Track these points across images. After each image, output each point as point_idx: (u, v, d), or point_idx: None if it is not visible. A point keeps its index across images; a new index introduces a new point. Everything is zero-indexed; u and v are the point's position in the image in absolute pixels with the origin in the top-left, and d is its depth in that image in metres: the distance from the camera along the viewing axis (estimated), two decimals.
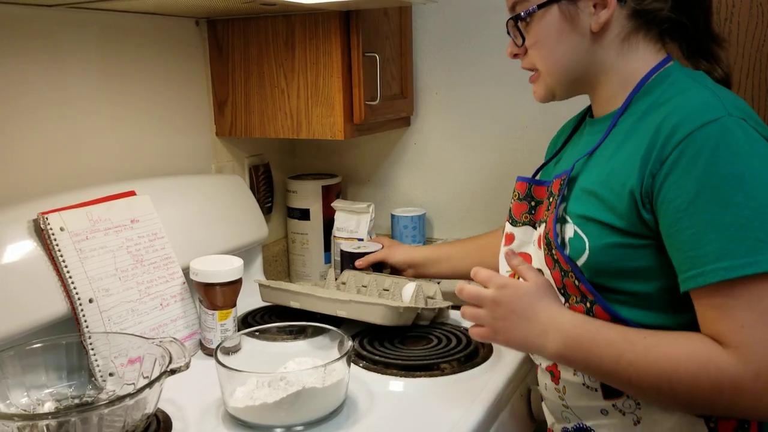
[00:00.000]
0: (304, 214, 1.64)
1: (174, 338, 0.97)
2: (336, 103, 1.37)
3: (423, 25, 1.59)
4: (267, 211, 1.67)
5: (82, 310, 1.02)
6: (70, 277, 1.02)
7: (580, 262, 0.84)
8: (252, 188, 1.59)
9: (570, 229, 0.86)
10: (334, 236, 1.57)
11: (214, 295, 1.15)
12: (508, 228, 1.00)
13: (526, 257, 0.96)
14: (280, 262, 1.71)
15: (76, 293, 1.02)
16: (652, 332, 0.79)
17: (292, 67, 1.40)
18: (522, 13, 0.88)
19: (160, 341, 0.96)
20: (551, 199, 0.91)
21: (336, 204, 1.58)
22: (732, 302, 0.72)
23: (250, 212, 1.46)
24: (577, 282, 0.85)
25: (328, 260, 1.65)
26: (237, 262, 1.17)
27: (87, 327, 1.02)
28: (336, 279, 1.40)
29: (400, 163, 1.69)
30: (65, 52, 1.17)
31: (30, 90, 1.12)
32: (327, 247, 1.64)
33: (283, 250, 1.72)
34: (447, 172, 1.63)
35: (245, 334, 1.05)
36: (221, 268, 1.15)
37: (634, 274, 0.81)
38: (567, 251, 0.86)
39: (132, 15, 1.28)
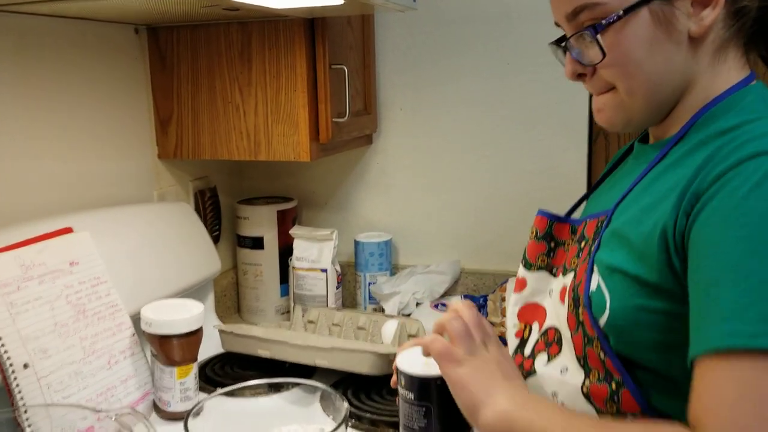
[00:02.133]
0: (257, 243, 1.48)
1: (133, 409, 0.80)
2: (300, 120, 1.23)
3: (386, 35, 1.47)
4: (215, 240, 1.50)
5: (15, 378, 0.83)
6: (0, 339, 0.83)
7: (600, 324, 0.68)
8: (198, 216, 1.42)
9: (594, 281, 0.70)
10: (294, 267, 1.42)
11: (171, 349, 0.98)
12: (521, 272, 0.84)
13: (538, 310, 0.80)
14: (229, 296, 1.54)
15: (8, 358, 0.83)
16: (607, 423, 0.64)
17: (249, 81, 1.25)
18: (603, 22, 0.67)
19: (117, 415, 0.78)
20: (583, 244, 0.75)
21: (295, 231, 1.43)
22: (722, 376, 0.55)
23: (200, 244, 1.29)
24: (602, 354, 0.68)
25: (284, 293, 1.50)
26: (196, 308, 1.01)
27: (22, 399, 0.83)
28: (303, 317, 1.25)
29: (362, 185, 1.55)
30: None
31: None
32: (283, 278, 1.49)
33: (232, 283, 1.55)
34: (412, 194, 1.52)
35: (220, 394, 0.89)
36: (178, 316, 0.98)
37: (667, 348, 0.64)
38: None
39: (58, 19, 1.09)
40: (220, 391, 0.86)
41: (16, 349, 0.84)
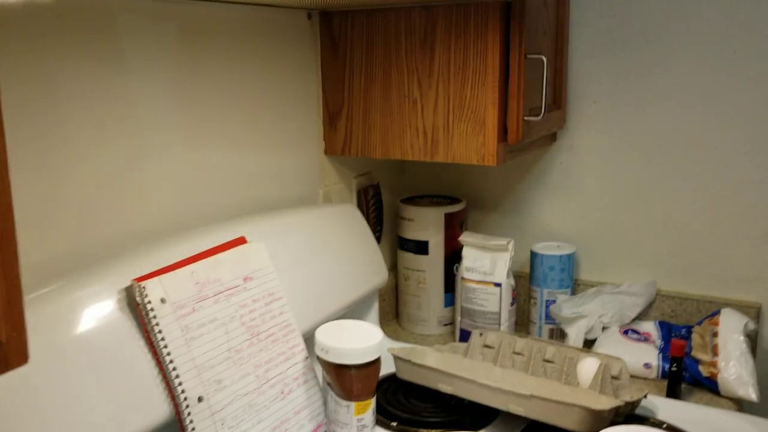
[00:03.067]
0: (421, 248, 1.35)
1: None
2: (488, 118, 1.07)
3: (581, 17, 1.28)
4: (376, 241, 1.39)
5: (189, 413, 0.75)
6: (174, 369, 0.75)
7: None
8: (363, 218, 1.31)
9: None
10: (462, 278, 1.28)
11: (350, 381, 0.87)
12: None
13: None
14: (387, 301, 1.43)
15: (182, 391, 0.75)
16: None
17: (430, 72, 1.11)
18: None
19: None
20: None
21: (465, 238, 1.29)
22: None
23: (367, 251, 1.18)
24: None
25: (448, 303, 1.36)
26: (376, 335, 0.89)
27: None
28: (480, 340, 1.11)
29: (541, 187, 1.38)
30: (133, 56, 0.87)
31: (88, 106, 0.84)
32: (448, 287, 1.36)
33: (392, 287, 1.44)
34: (601, 201, 1.33)
35: None
36: (358, 344, 0.87)
37: None
38: None
39: (222, 5, 0.99)
40: None
41: (191, 380, 0.76)
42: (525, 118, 1.09)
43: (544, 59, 1.09)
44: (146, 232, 0.91)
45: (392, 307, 1.45)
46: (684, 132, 1.23)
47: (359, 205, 1.34)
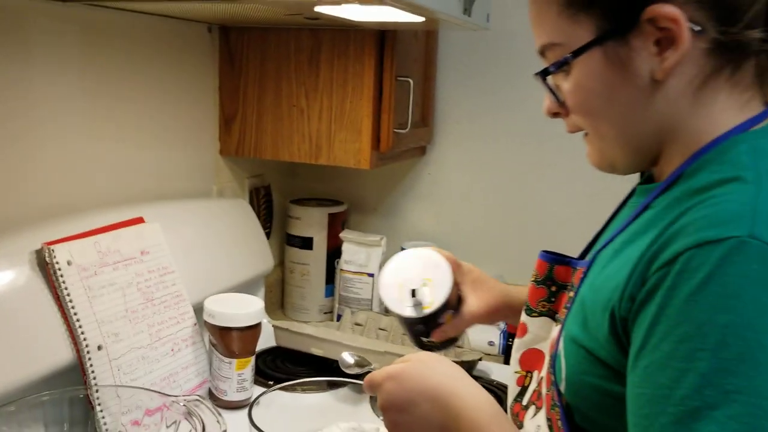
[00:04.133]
0: (306, 243, 1.51)
1: (200, 397, 0.84)
2: (363, 128, 1.26)
3: (448, 49, 1.50)
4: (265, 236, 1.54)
5: (90, 359, 0.87)
6: (78, 321, 0.87)
7: (561, 391, 0.64)
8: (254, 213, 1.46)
9: (560, 343, 0.64)
10: (341, 269, 1.45)
11: (231, 341, 1.01)
12: (523, 317, 0.77)
13: (540, 357, 0.75)
14: (274, 293, 1.57)
15: (84, 339, 0.87)
16: None
17: (316, 87, 1.28)
18: (551, 67, 0.63)
19: (186, 402, 0.82)
20: (571, 293, 0.68)
21: (345, 235, 1.46)
22: None
23: (255, 241, 1.33)
24: (559, 423, 0.64)
25: (329, 293, 1.53)
26: (257, 303, 1.05)
27: (95, 378, 0.87)
28: (350, 319, 1.28)
29: (412, 194, 1.58)
30: (38, 54, 0.96)
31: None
32: (329, 279, 1.52)
33: (278, 279, 1.58)
34: (462, 207, 1.54)
35: (278, 388, 0.92)
36: (240, 310, 1.02)
37: None
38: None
39: (128, 13, 1.11)
40: (279, 385, 0.90)
41: (92, 331, 0.88)
42: (395, 130, 1.28)
43: (411, 82, 1.29)
44: (53, 210, 1.02)
45: (278, 299, 1.59)
46: (529, 150, 1.47)
47: (251, 204, 1.48)
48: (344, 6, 0.88)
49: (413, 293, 0.85)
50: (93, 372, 0.87)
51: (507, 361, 1.26)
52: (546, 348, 0.73)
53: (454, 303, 0.87)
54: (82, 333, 0.87)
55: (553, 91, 0.65)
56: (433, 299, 0.84)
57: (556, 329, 0.70)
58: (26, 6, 0.94)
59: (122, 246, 0.98)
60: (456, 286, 0.88)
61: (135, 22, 1.13)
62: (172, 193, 1.27)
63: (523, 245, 1.50)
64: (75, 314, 0.87)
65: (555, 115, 0.68)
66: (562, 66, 0.62)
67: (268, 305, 1.55)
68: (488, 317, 0.92)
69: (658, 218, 0.58)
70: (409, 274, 0.86)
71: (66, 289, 0.87)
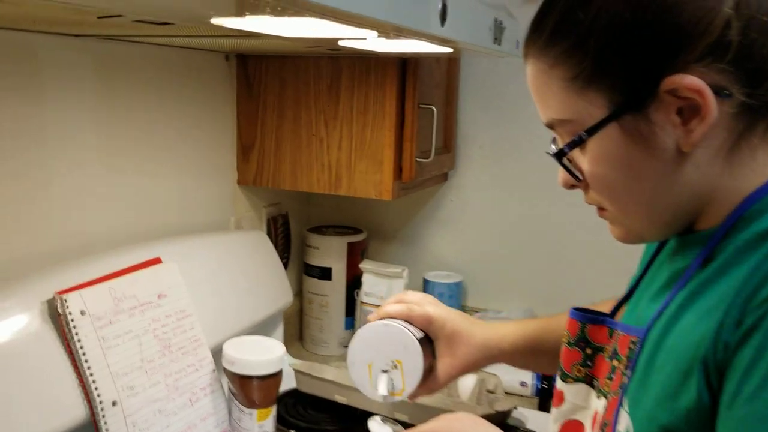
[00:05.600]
0: (324, 273, 1.46)
1: None
2: (385, 158, 1.21)
3: (470, 74, 1.45)
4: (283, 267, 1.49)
5: (103, 416, 0.82)
6: (91, 375, 0.82)
7: None
8: (272, 244, 1.41)
9: (623, 423, 0.58)
10: (362, 301, 1.40)
11: (251, 390, 0.96)
12: (558, 383, 0.70)
13: (581, 430, 0.68)
14: (292, 324, 1.52)
15: (98, 395, 0.82)
16: None
17: (335, 115, 1.24)
18: (564, 148, 0.58)
19: None
20: (616, 363, 0.62)
21: (365, 265, 1.41)
22: None
23: (274, 275, 1.28)
24: None
25: (349, 326, 1.48)
26: (278, 348, 0.99)
27: None
28: None
29: (433, 221, 1.53)
30: (51, 87, 0.93)
31: (5, 129, 0.91)
32: (349, 311, 1.47)
33: (296, 310, 1.53)
34: (486, 235, 1.49)
35: None
36: (260, 357, 0.97)
37: None
38: None
39: (141, 45, 1.07)
40: None
41: (106, 385, 0.83)
42: (417, 159, 1.23)
43: (434, 109, 1.24)
44: (66, 250, 0.98)
45: (297, 330, 1.55)
46: (554, 176, 1.42)
47: (269, 233, 1.44)
48: (369, 39, 0.83)
49: (383, 373, 0.80)
50: (107, 430, 0.82)
51: (542, 405, 1.21)
52: (586, 420, 0.67)
53: (426, 371, 0.81)
54: (96, 388, 0.82)
55: (569, 169, 0.60)
56: (404, 386, 0.80)
57: (600, 403, 0.64)
58: (38, 40, 0.90)
59: (139, 290, 0.93)
60: (428, 351, 0.82)
61: (149, 52, 1.09)
62: (189, 226, 1.23)
63: (552, 275, 1.45)
64: (88, 368, 0.82)
65: (572, 187, 0.63)
66: (575, 146, 0.57)
67: (286, 337, 1.50)
68: (466, 372, 0.86)
69: (730, 264, 0.53)
70: (378, 353, 0.81)
71: (79, 341, 0.82)
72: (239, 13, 0.54)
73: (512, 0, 1.35)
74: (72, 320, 0.82)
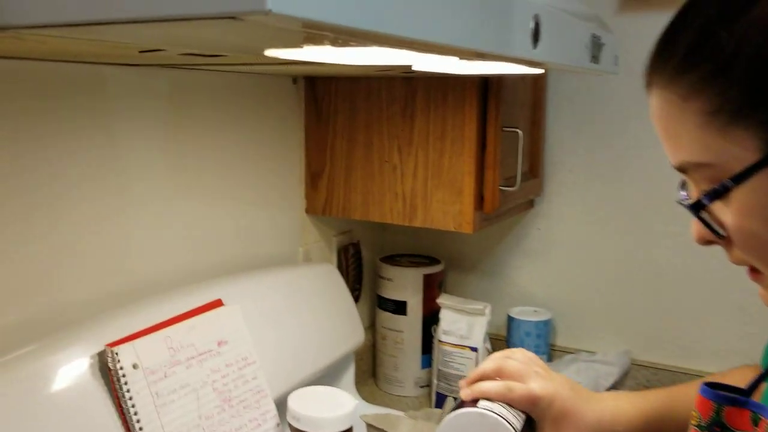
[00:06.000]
0: (399, 307, 1.37)
1: None
2: (465, 187, 1.10)
3: (559, 90, 1.32)
4: (354, 300, 1.40)
5: None
6: None
7: None
8: (342, 277, 1.32)
9: None
10: (439, 340, 1.30)
11: None
12: None
13: None
14: (364, 360, 1.43)
15: None
16: None
17: (410, 141, 1.14)
18: (704, 199, 0.48)
19: None
20: None
21: (443, 301, 1.30)
22: None
23: (345, 312, 1.19)
24: None
25: (425, 364, 1.37)
26: (348, 403, 0.90)
27: None
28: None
29: (518, 252, 1.41)
30: (122, 119, 0.90)
31: (75, 166, 0.86)
32: (425, 348, 1.37)
33: (369, 345, 1.44)
34: (578, 268, 1.35)
35: None
36: (329, 413, 0.88)
37: None
38: None
39: (208, 72, 1.02)
40: None
41: None
42: (501, 187, 1.12)
43: (520, 133, 1.12)
44: (124, 291, 0.92)
45: (369, 367, 1.45)
46: (660, 203, 1.27)
47: (339, 263, 1.36)
48: (447, 62, 0.73)
49: None
50: None
51: None
52: None
53: None
54: None
55: (707, 223, 0.49)
56: None
57: None
58: (106, 71, 0.85)
59: (197, 338, 0.86)
60: None
61: (215, 79, 1.03)
62: (254, 260, 1.16)
63: (655, 316, 1.29)
64: (140, 429, 0.75)
65: (710, 243, 0.52)
66: (717, 196, 0.47)
67: (358, 374, 1.41)
68: None
69: None
70: None
71: (131, 399, 0.75)
72: (295, 44, 0.45)
73: (604, 8, 1.21)
74: (123, 375, 0.76)
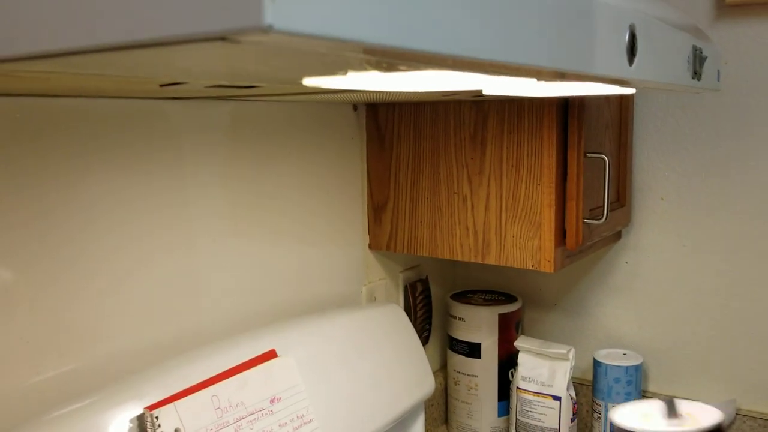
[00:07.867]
0: (473, 350, 1.25)
1: None
2: (544, 220, 0.99)
3: (647, 109, 1.19)
4: (424, 342, 1.30)
5: None
6: None
7: None
8: (409, 318, 1.23)
9: None
10: (518, 387, 1.17)
11: None
12: None
13: None
14: (436, 407, 1.33)
15: None
16: None
17: (481, 169, 1.04)
18: None
19: None
20: None
21: (521, 344, 1.18)
22: None
23: (412, 359, 1.09)
24: None
25: (502, 412, 1.25)
26: None
27: None
28: None
29: (604, 288, 1.27)
30: (186, 155, 0.85)
31: (131, 210, 0.81)
32: (502, 394, 1.25)
33: (441, 389, 1.33)
34: (672, 305, 1.21)
35: None
36: None
37: None
38: None
39: (268, 103, 0.96)
40: None
41: None
42: (585, 220, 1.00)
43: (606, 159, 1.00)
44: (174, 338, 0.85)
45: (441, 413, 1.34)
46: (764, 235, 1.11)
47: (406, 302, 1.26)
48: (523, 85, 0.63)
49: None
50: None
51: None
52: None
53: None
54: None
55: None
56: None
57: None
58: (165, 107, 0.79)
59: (247, 396, 0.78)
60: None
61: (273, 110, 0.96)
62: (313, 301, 1.08)
63: (759, 360, 1.13)
64: None
65: None
66: None
67: (429, 421, 1.30)
68: None
69: None
70: None
71: None
72: (329, 72, 0.36)
73: (699, 17, 1.08)
74: None
